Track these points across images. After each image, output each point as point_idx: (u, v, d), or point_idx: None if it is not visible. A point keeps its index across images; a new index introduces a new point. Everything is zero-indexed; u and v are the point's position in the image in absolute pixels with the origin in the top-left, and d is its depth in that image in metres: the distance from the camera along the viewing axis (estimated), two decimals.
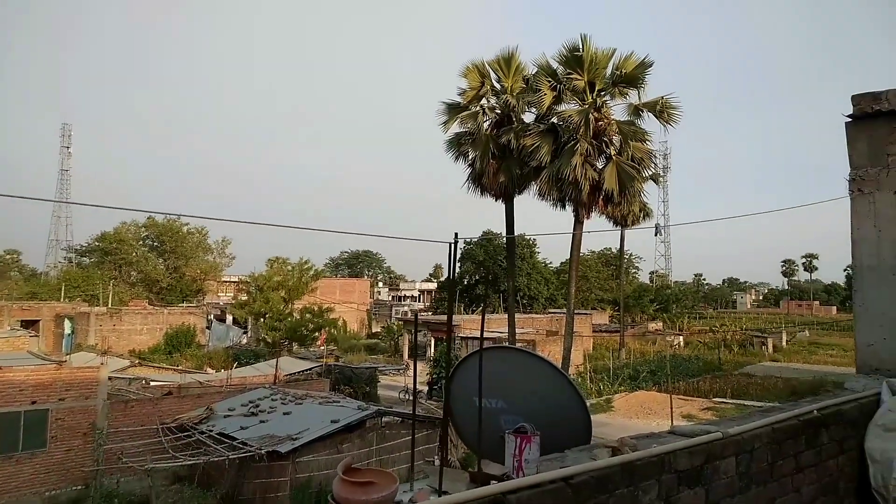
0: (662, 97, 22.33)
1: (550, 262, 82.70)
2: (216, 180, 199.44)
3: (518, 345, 33.81)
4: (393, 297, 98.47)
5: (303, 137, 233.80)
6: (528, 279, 74.41)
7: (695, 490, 3.44)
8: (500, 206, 25.94)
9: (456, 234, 3.72)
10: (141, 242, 72.50)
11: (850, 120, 6.22)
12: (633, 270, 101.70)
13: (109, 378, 22.11)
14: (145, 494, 16.30)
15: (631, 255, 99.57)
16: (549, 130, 23.11)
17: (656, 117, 22.44)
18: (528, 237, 69.63)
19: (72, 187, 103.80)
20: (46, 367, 19.37)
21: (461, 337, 43.70)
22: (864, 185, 6.10)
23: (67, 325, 45.40)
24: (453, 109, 25.01)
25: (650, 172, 29.25)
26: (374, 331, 62.89)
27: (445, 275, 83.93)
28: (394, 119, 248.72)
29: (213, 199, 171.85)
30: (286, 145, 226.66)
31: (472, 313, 66.12)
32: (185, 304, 59.75)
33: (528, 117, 24.79)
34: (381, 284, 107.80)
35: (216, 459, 16.23)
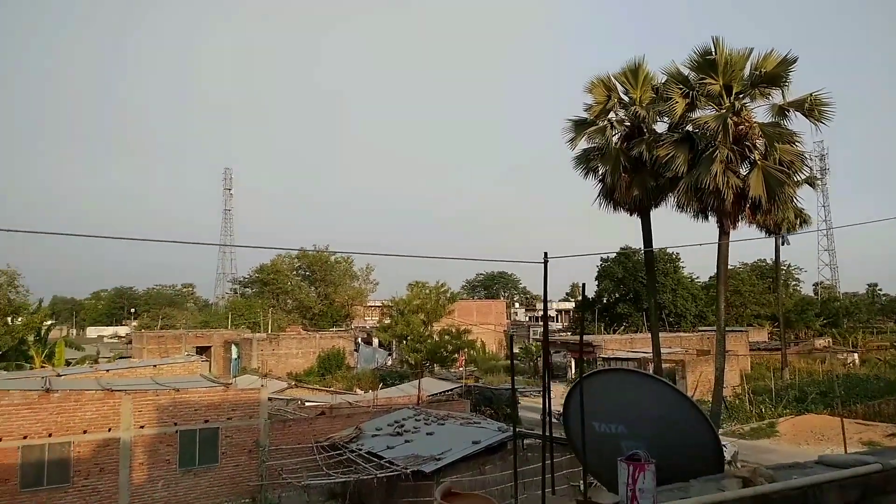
0: (811, 94, 20.48)
1: (697, 278, 77.93)
2: (355, 213, 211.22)
3: (665, 366, 32.12)
4: (530, 317, 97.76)
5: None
6: (672, 295, 70.61)
7: None
8: (637, 221, 25.05)
9: (546, 254, 3.74)
10: (294, 272, 78.36)
11: None
12: (794, 282, 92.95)
13: (269, 399, 24.02)
14: None
15: (789, 265, 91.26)
16: (684, 139, 22.02)
17: (805, 116, 20.58)
18: (669, 250, 66.31)
19: (234, 225, 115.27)
20: (216, 389, 21.42)
21: (603, 358, 42.42)
22: None
23: (234, 350, 50.04)
24: (580, 125, 24.64)
25: (803, 176, 26.79)
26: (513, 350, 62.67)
27: (581, 294, 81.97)
28: (518, 142, 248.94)
29: (355, 233, 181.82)
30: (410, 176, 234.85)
31: (614, 332, 63.83)
32: (334, 329, 63.54)
33: (660, 128, 23.84)
34: (517, 305, 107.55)
35: (366, 478, 17.01)
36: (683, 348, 44.91)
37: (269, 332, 56.64)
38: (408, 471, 16.54)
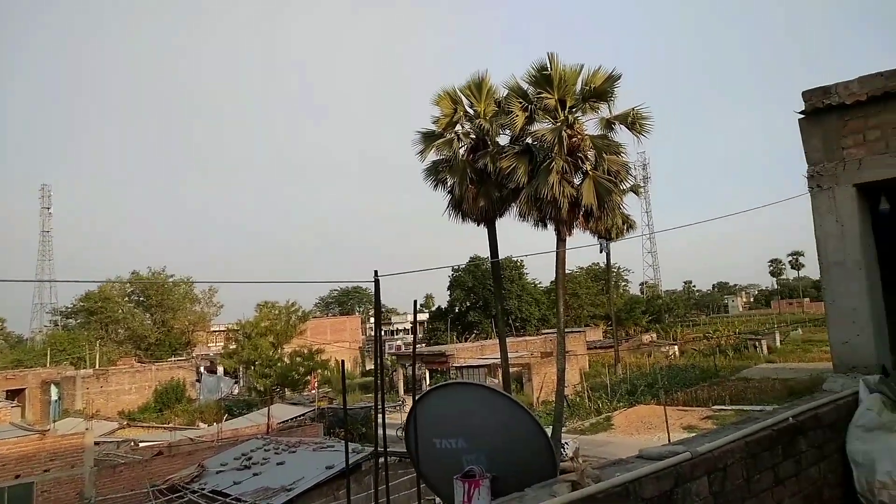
0: (633, 108, 22.50)
1: (540, 283, 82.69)
2: (192, 229, 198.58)
3: (512, 370, 33.47)
4: (385, 331, 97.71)
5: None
6: (518, 301, 74.21)
7: None
8: (484, 231, 25.95)
9: (376, 272, 3.63)
10: (126, 298, 71.62)
11: (802, 116, 6.21)
12: (623, 283, 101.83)
13: (96, 443, 21.58)
14: None
15: (619, 268, 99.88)
16: (525, 151, 23.21)
17: (629, 129, 22.56)
18: (514, 259, 69.69)
19: (54, 248, 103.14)
20: (30, 438, 18.84)
21: (455, 367, 43.35)
22: (823, 180, 6.06)
23: (54, 391, 44.45)
24: (428, 137, 25.10)
25: (629, 184, 29.40)
26: (367, 368, 62.20)
27: (436, 305, 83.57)
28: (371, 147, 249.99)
29: (194, 252, 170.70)
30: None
31: (466, 341, 65.66)
32: (174, 359, 58.86)
33: (504, 140, 24.94)
34: (372, 321, 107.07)
35: None
36: (529, 351, 47.24)
37: (97, 367, 51.09)
38: None
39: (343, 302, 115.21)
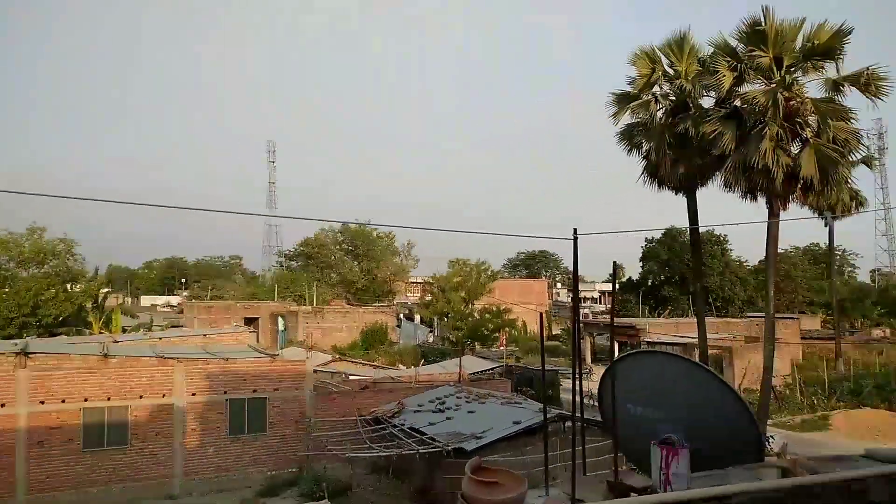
0: (868, 68, 19.47)
1: (746, 261, 75.75)
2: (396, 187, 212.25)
3: (711, 352, 31.53)
4: (572, 298, 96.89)
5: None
6: (720, 279, 68.95)
7: None
8: (682, 200, 24.53)
9: (575, 230, 3.76)
10: (338, 247, 79.49)
11: None
12: (849, 269, 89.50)
13: (314, 371, 24.67)
14: (348, 481, 17.95)
15: (844, 250, 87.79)
16: (732, 115, 21.30)
17: (861, 91, 19.59)
18: (717, 232, 64.59)
19: (278, 197, 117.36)
20: (263, 360, 22.09)
21: (647, 342, 41.92)
22: None
23: (280, 322, 51.31)
24: (623, 99, 24.06)
25: (860, 155, 25.60)
26: (554, 333, 62.54)
27: (627, 275, 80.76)
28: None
29: (396, 208, 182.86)
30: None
31: (658, 316, 62.89)
32: (377, 304, 64.44)
33: (707, 102, 23.11)
34: (559, 285, 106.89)
35: (407, 453, 17.40)
36: (731, 334, 44.00)
37: (315, 305, 57.85)
38: (449, 448, 16.82)
39: (529, 265, 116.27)
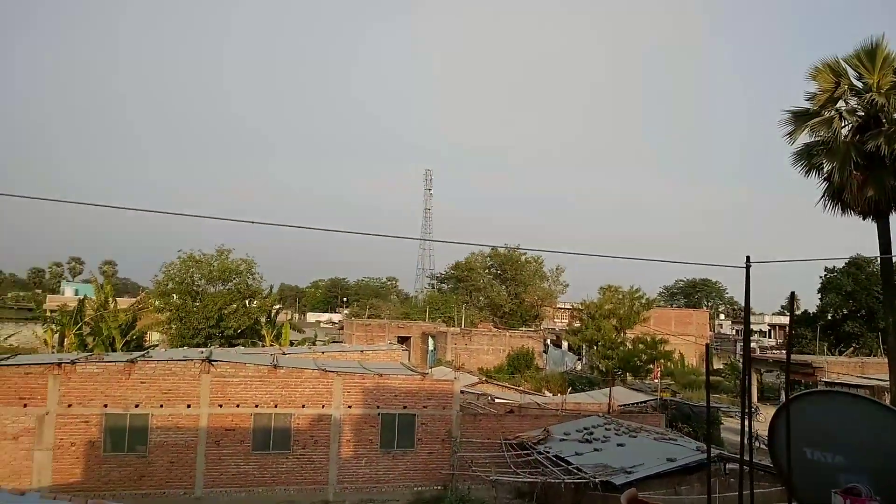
0: None
1: None
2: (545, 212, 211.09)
3: None
4: (736, 330, 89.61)
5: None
6: None
7: None
8: (871, 226, 21.71)
9: (748, 258, 3.35)
10: (486, 270, 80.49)
11: None
12: None
13: (461, 392, 24.93)
14: (491, 503, 17.83)
15: None
16: None
17: None
18: None
19: (433, 223, 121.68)
20: (414, 378, 22.70)
21: (825, 382, 37.49)
22: None
23: (430, 342, 52.85)
24: (800, 117, 21.92)
25: None
26: (715, 367, 58.07)
27: (803, 307, 72.99)
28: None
29: (544, 233, 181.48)
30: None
31: (840, 354, 56.04)
32: (524, 328, 64.07)
33: None
34: (721, 316, 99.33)
35: (553, 481, 16.95)
36: None
37: (463, 326, 58.84)
38: (596, 480, 16.16)
39: (689, 294, 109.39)
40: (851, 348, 59.60)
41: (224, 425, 19.51)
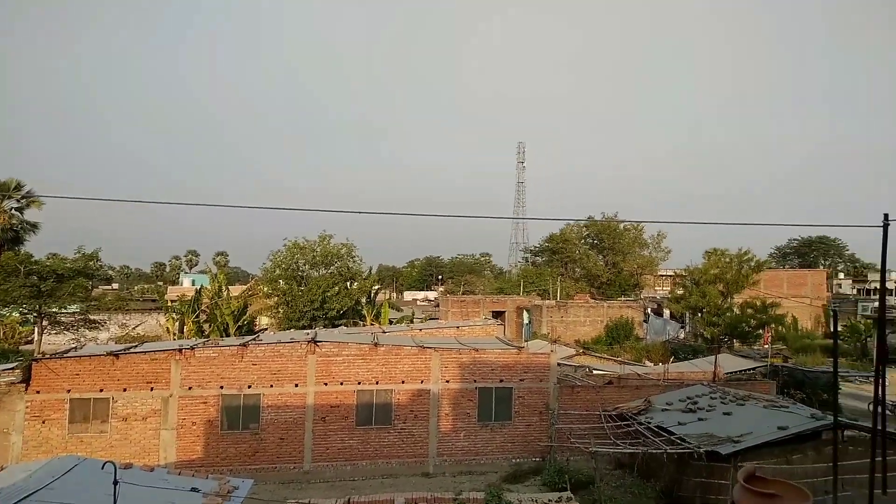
0: None
1: None
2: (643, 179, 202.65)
3: None
4: (858, 290, 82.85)
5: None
6: None
7: None
8: None
9: (886, 216, 3.08)
10: (583, 241, 78.90)
11: None
12: None
13: (558, 364, 24.76)
14: (590, 475, 17.72)
15: None
16: None
17: None
18: None
19: (526, 196, 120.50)
20: (510, 352, 22.76)
21: None
22: None
23: (525, 315, 52.73)
24: None
25: None
26: (837, 328, 54.11)
27: None
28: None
29: (645, 199, 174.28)
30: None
31: None
32: (623, 298, 62.49)
33: None
34: (841, 276, 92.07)
35: (654, 452, 16.58)
36: None
37: (558, 299, 58.22)
38: (701, 450, 15.64)
39: (804, 253, 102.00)
40: None
41: (329, 402, 20.52)
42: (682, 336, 48.83)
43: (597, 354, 37.30)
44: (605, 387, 23.09)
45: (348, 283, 43.29)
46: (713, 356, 28.43)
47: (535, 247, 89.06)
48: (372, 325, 38.71)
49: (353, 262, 44.91)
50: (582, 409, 21.48)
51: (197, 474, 12.06)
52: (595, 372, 27.21)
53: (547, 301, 54.69)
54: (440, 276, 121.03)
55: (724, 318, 37.53)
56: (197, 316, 38.35)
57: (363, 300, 43.45)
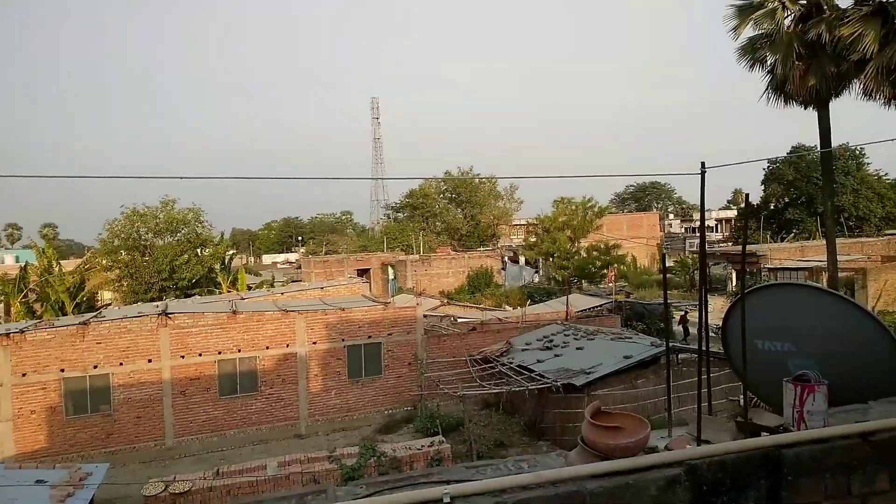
0: None
1: (885, 174, 68.24)
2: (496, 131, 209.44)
3: (842, 275, 29.04)
4: (686, 228, 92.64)
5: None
6: (854, 197, 62.91)
7: None
8: (812, 115, 22.25)
9: (703, 164, 3.34)
10: (441, 195, 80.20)
11: None
12: None
13: (424, 316, 25.31)
14: (460, 417, 18.48)
15: None
16: (876, 12, 18.80)
17: None
18: (851, 147, 58.51)
19: (384, 152, 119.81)
20: (377, 308, 22.93)
21: (768, 268, 39.39)
22: None
23: (390, 271, 53.03)
24: (744, 10, 21.86)
25: None
26: (666, 265, 60.25)
27: (745, 203, 75.56)
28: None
29: (497, 151, 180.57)
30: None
31: (782, 241, 58.73)
32: (482, 249, 64.79)
33: (845, 2, 20.51)
34: (671, 217, 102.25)
35: (517, 389, 17.60)
36: (865, 255, 40.33)
37: (422, 253, 59.11)
38: (558, 383, 16.83)
39: (639, 198, 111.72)
40: (792, 234, 62.46)
41: (188, 375, 19.43)
42: (536, 280, 51.81)
43: (460, 303, 38.55)
44: (469, 333, 23.98)
45: (199, 250, 40.74)
46: (565, 297, 30.47)
47: (397, 203, 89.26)
48: (229, 292, 36.95)
49: (203, 227, 42.24)
50: (449, 356, 22.21)
51: (41, 465, 10.95)
52: (459, 320, 28.13)
53: (411, 256, 55.32)
54: (300, 238, 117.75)
55: (572, 262, 40.23)
56: (25, 296, 34.27)
57: (217, 267, 41.19)
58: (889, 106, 20.34)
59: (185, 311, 20.88)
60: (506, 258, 58.82)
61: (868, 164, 66.19)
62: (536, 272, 54.41)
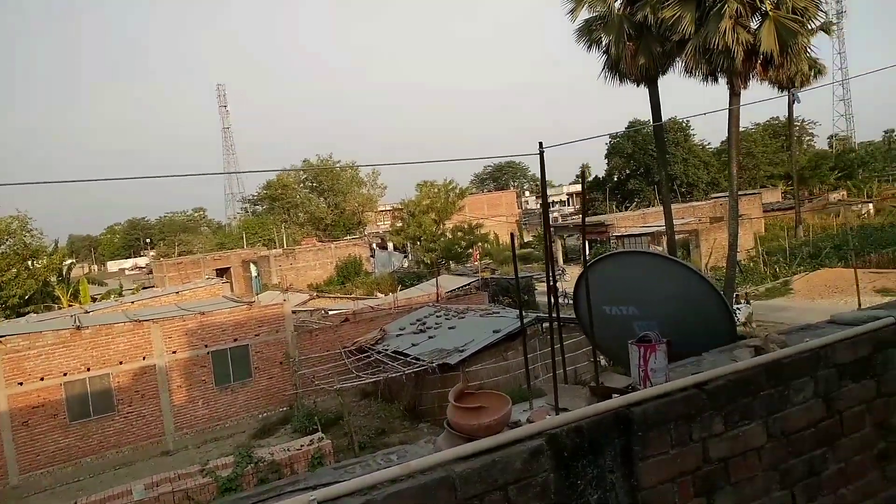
0: None
1: (709, 144, 76.28)
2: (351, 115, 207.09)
3: (678, 237, 32.14)
4: (541, 205, 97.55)
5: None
6: (684, 165, 69.70)
7: (862, 383, 3.08)
8: (644, 92, 24.22)
9: (541, 144, 3.52)
10: (301, 185, 77.94)
11: None
12: (808, 138, 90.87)
13: (294, 311, 24.57)
14: (339, 411, 18.22)
15: (803, 121, 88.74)
16: None
17: None
18: (679, 119, 64.63)
19: (234, 142, 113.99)
20: (240, 308, 21.92)
21: (616, 236, 42.59)
22: None
23: (253, 268, 50.85)
24: None
25: (818, 23, 25.27)
26: (526, 240, 63.17)
27: (594, 174, 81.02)
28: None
29: (354, 137, 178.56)
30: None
31: (626, 210, 63.72)
32: (349, 237, 64.02)
33: None
34: (527, 194, 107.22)
35: (394, 375, 17.68)
36: (696, 218, 44.88)
37: (285, 247, 57.24)
38: (434, 364, 17.11)
39: (497, 178, 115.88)
40: (634, 203, 68.00)
41: (30, 403, 17.42)
42: (406, 265, 52.16)
43: (331, 295, 37.88)
44: (341, 325, 23.64)
45: (30, 263, 36.56)
46: (434, 279, 30.98)
47: (254, 195, 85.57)
48: (71, 306, 33.54)
49: (32, 236, 37.92)
50: (322, 350, 21.77)
51: None
52: (331, 313, 27.62)
53: (273, 250, 53.38)
54: (149, 240, 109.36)
55: (439, 244, 40.99)
56: None
57: (54, 280, 37.20)
58: (706, 81, 22.68)
59: (19, 332, 18.73)
60: (374, 245, 58.61)
61: (694, 135, 73.57)
62: (405, 257, 54.78)
